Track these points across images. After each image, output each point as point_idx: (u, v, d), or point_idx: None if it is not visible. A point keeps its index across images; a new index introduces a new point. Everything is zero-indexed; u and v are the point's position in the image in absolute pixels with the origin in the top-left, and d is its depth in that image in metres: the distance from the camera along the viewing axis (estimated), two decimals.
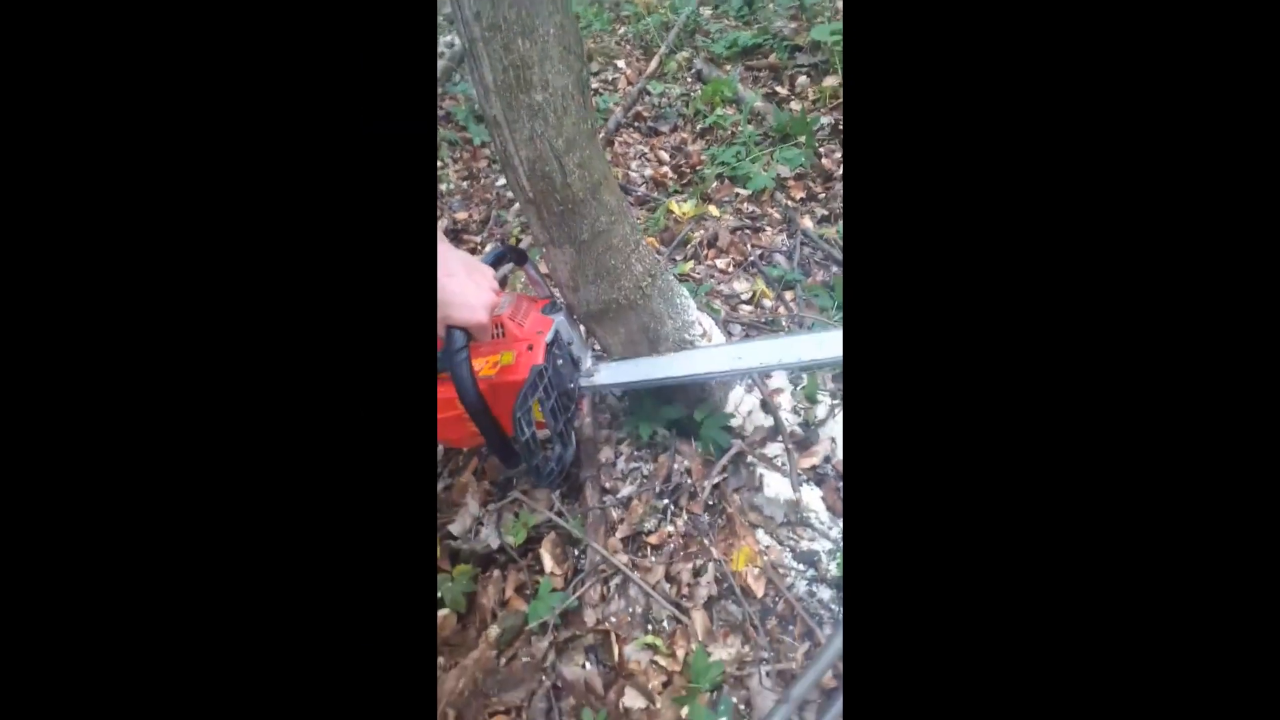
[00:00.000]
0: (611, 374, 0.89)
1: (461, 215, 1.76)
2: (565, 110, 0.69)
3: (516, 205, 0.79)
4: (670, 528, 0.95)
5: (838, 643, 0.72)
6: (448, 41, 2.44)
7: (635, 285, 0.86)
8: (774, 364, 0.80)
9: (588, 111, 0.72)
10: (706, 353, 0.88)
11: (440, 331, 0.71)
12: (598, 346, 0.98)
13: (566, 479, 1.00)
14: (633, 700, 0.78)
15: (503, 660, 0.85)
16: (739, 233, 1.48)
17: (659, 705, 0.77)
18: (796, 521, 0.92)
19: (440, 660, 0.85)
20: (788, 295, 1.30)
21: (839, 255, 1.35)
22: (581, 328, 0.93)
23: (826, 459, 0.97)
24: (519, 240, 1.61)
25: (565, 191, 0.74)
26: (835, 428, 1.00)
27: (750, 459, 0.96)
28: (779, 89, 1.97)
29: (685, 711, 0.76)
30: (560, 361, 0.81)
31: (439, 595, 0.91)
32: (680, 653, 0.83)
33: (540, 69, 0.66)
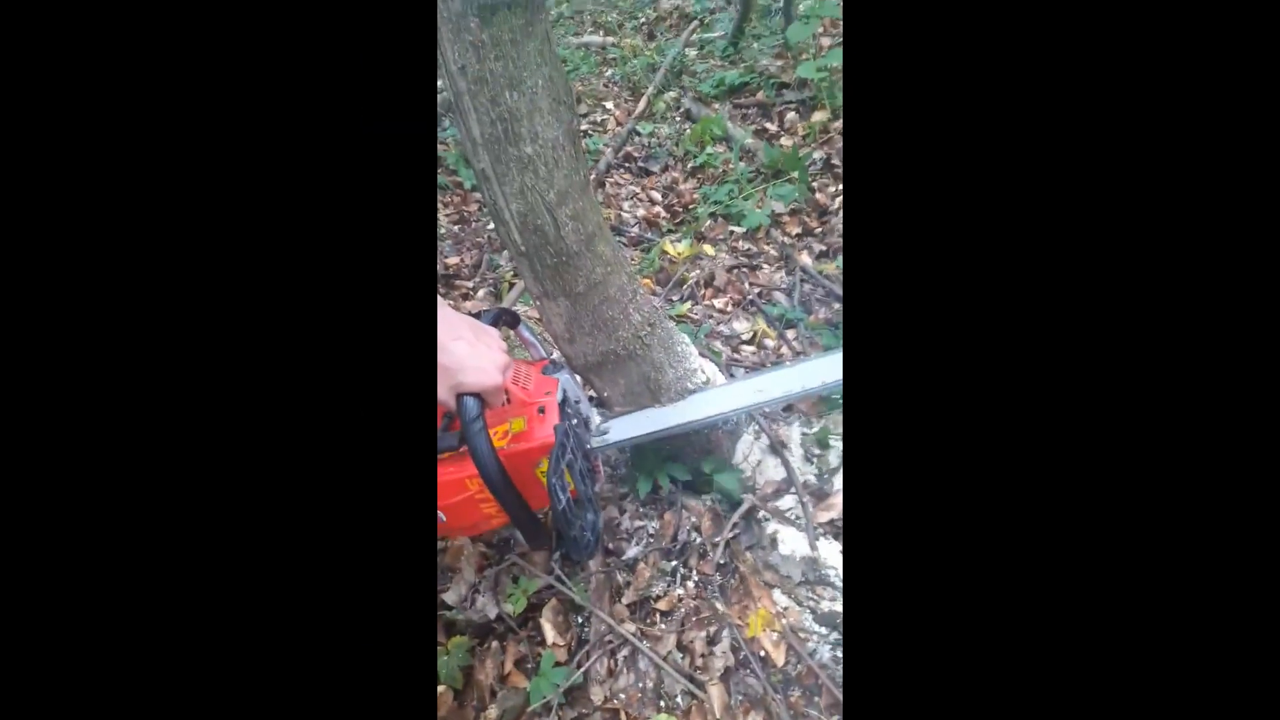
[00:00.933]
0: (625, 429, 0.84)
1: (453, 260, 1.74)
2: (556, 162, 0.66)
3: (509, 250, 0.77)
4: (680, 591, 0.89)
5: None
6: (439, 86, 2.46)
7: (634, 335, 0.82)
8: (786, 394, 0.77)
9: (579, 163, 0.69)
10: (719, 392, 0.84)
11: (447, 400, 0.63)
12: (591, 393, 0.94)
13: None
14: None
15: None
16: (736, 271, 1.45)
17: None
18: (816, 580, 0.86)
19: None
20: (790, 334, 1.26)
21: (840, 291, 1.32)
22: (577, 377, 0.89)
23: None
24: (511, 284, 1.58)
25: (559, 244, 0.71)
26: None
27: (763, 514, 0.91)
28: (768, 125, 1.98)
29: None
30: (575, 421, 0.76)
31: None
32: None
33: (529, 121, 0.63)
